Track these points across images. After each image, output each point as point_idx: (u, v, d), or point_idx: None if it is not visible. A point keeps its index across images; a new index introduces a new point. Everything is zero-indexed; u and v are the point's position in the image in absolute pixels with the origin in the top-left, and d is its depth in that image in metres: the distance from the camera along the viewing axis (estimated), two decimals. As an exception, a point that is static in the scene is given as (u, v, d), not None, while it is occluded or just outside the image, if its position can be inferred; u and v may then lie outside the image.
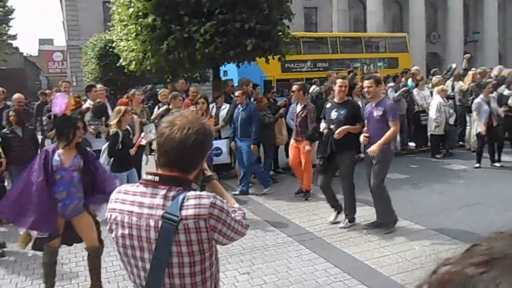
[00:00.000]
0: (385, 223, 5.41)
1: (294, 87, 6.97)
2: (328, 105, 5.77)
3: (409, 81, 10.93)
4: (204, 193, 1.53)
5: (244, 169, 7.37)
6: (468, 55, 13.75)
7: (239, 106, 7.50)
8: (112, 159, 5.53)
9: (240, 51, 8.99)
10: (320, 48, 17.44)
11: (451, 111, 9.73)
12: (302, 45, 16.44)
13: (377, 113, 5.24)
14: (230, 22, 8.77)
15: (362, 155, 6.08)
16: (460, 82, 10.74)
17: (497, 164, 8.61)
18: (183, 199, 1.46)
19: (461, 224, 5.44)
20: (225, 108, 8.69)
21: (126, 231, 1.52)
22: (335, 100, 5.71)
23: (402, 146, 10.57)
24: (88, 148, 4.12)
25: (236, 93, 7.79)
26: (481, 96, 8.51)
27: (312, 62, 16.08)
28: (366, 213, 5.91)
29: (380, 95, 5.43)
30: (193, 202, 1.47)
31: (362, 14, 29.45)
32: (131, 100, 7.71)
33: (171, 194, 1.49)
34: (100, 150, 7.33)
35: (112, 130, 5.57)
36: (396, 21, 31.12)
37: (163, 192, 1.50)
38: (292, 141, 7.02)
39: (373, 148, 5.19)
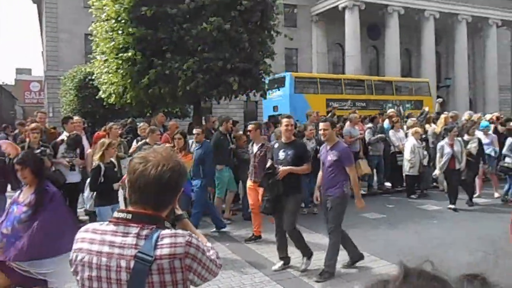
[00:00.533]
0: (353, 259, 5.42)
1: (250, 126, 6.66)
2: (276, 145, 5.62)
3: (386, 123, 11.21)
4: (179, 231, 1.49)
5: (195, 209, 6.97)
6: (440, 100, 14.26)
7: (197, 144, 7.34)
8: (95, 193, 5.43)
9: (223, 89, 9.09)
10: (358, 89, 18.88)
11: (425, 152, 9.98)
12: (343, 86, 18.28)
13: (331, 157, 5.10)
14: (213, 60, 8.91)
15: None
16: (433, 125, 11.10)
17: (469, 205, 8.78)
18: (158, 237, 1.41)
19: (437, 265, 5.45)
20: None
21: (94, 273, 1.43)
22: (283, 140, 5.53)
23: (379, 185, 10.72)
24: (50, 188, 3.60)
25: (195, 131, 7.56)
26: (446, 139, 8.74)
27: (352, 101, 17.16)
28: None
29: (334, 138, 5.29)
30: (168, 240, 1.41)
31: (340, 58, 30.46)
32: (108, 133, 7.63)
33: (144, 232, 1.42)
34: (74, 184, 7.17)
35: (94, 163, 5.47)
36: (373, 65, 32.28)
37: (135, 230, 1.43)
38: (249, 183, 6.64)
39: (356, 203, 5.28)
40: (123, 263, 1.40)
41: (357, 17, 26.73)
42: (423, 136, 10.43)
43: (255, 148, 6.59)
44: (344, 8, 26.93)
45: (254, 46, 10.09)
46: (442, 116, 11.09)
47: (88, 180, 5.64)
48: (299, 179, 5.41)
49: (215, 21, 8.90)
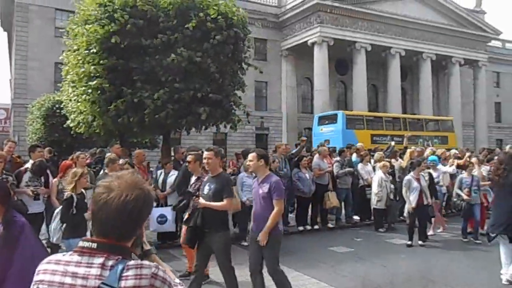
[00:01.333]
0: None
1: (189, 158, 6.17)
2: (205, 178, 5.33)
3: (354, 156, 11.41)
4: (145, 262, 1.43)
5: None
6: (408, 134, 14.69)
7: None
8: (64, 225, 5.23)
9: (193, 119, 9.08)
10: (396, 126, 21.68)
11: (392, 186, 10.15)
12: (384, 123, 21.34)
13: (262, 190, 4.78)
14: (183, 90, 8.93)
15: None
16: (400, 160, 11.37)
17: (420, 242, 8.50)
18: (123, 268, 1.36)
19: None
20: (173, 174, 8.57)
21: None
22: (210, 174, 5.16)
23: (347, 219, 10.78)
24: (18, 218, 3.41)
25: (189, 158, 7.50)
26: (412, 173, 8.72)
27: (391, 136, 18.69)
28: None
29: (265, 171, 4.89)
30: (133, 272, 1.36)
31: (309, 92, 31.14)
32: (75, 162, 7.44)
33: (110, 263, 1.37)
34: (37, 214, 6.87)
35: (67, 194, 5.31)
36: (341, 99, 33.13)
37: (100, 260, 1.38)
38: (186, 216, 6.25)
39: (260, 238, 4.70)
40: None
41: (325, 53, 27.55)
42: (390, 170, 10.64)
43: (193, 179, 6.23)
44: (313, 44, 27.75)
45: (225, 78, 10.21)
46: (408, 150, 11.40)
47: (56, 210, 5.45)
48: (224, 215, 4.95)
49: (185, 53, 8.99)
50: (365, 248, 8.42)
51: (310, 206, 10.27)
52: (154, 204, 9.13)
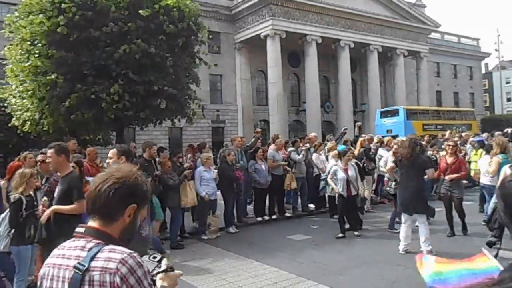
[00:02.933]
0: None
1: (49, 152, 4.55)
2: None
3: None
4: (120, 248, 1.47)
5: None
6: (359, 123, 15.19)
7: None
8: (13, 230, 4.89)
9: (150, 112, 8.97)
10: (438, 117, 26.90)
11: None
12: (430, 115, 26.53)
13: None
14: (138, 83, 8.79)
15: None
16: (351, 148, 11.76)
17: (356, 233, 8.33)
18: (98, 251, 1.44)
19: (361, 282, 5.72)
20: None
21: (48, 284, 1.51)
22: (59, 174, 4.57)
23: (303, 207, 11.05)
24: None
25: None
26: (339, 163, 8.49)
27: (435, 125, 24.48)
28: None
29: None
30: (105, 255, 1.43)
31: (263, 84, 31.37)
32: (23, 163, 7.13)
33: (89, 245, 1.47)
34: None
35: (14, 196, 4.97)
36: (294, 91, 33.65)
37: (82, 243, 1.49)
38: None
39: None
40: (67, 274, 1.46)
41: (278, 45, 27.84)
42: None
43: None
44: (266, 37, 27.95)
45: (179, 72, 10.13)
46: (359, 139, 11.82)
47: (2, 215, 5.16)
48: (72, 220, 3.90)
49: (139, 44, 8.81)
50: (322, 234, 8.67)
51: (267, 196, 10.44)
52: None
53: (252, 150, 10.39)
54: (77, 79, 8.43)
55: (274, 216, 10.36)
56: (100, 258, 1.43)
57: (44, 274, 1.53)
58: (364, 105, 34.80)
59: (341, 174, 8.23)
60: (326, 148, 11.49)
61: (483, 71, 53.89)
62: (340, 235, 8.24)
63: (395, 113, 24.93)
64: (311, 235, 8.60)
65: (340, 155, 8.67)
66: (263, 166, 10.02)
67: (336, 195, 8.43)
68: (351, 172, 8.30)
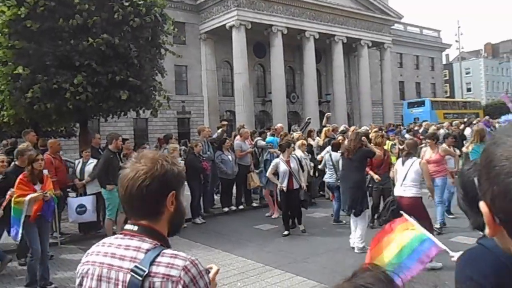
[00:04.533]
0: None
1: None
2: None
3: (271, 137, 11.65)
4: (182, 254, 1.38)
5: None
6: (329, 114, 15.40)
7: None
8: None
9: (113, 103, 8.80)
10: (455, 106, 33.45)
11: (312, 164, 10.68)
12: (449, 105, 33.38)
13: None
14: (101, 74, 8.60)
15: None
16: (317, 138, 11.97)
17: (302, 227, 8.01)
18: (158, 254, 1.34)
19: (325, 269, 5.89)
20: (92, 163, 8.28)
21: (94, 284, 1.41)
22: None
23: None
24: None
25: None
26: (281, 156, 8.13)
27: (453, 114, 29.21)
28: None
29: None
30: (167, 260, 1.34)
31: (229, 75, 31.25)
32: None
33: (146, 246, 1.37)
34: None
35: None
36: (260, 81, 33.70)
37: (137, 243, 1.39)
38: None
39: None
40: (120, 276, 1.36)
41: (243, 36, 27.75)
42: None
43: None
44: (231, 27, 27.79)
45: (144, 62, 9.98)
46: (324, 129, 12.02)
47: None
48: None
49: (103, 38, 8.62)
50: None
51: (234, 187, 10.49)
52: (74, 194, 8.77)
53: (219, 141, 10.40)
54: (39, 70, 8.14)
55: (241, 207, 10.44)
56: (161, 263, 1.33)
57: (87, 273, 1.43)
58: (329, 96, 35.33)
59: (283, 167, 7.84)
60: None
61: (444, 62, 55.79)
62: (286, 232, 7.83)
63: (421, 103, 31.33)
64: (277, 225, 8.72)
65: (282, 148, 8.28)
66: (229, 157, 10.06)
67: (278, 191, 8.09)
68: (293, 165, 7.96)
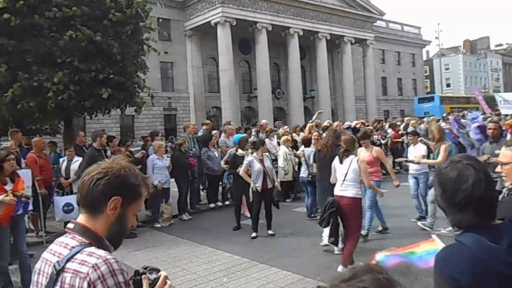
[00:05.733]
0: None
1: None
2: None
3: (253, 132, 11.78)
4: (100, 252, 1.39)
5: None
6: (321, 110, 15.49)
7: None
8: None
9: (95, 101, 8.77)
10: (460, 101, 35.48)
11: (296, 159, 10.79)
12: (453, 99, 35.30)
13: None
14: (84, 71, 8.55)
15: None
16: (301, 133, 12.10)
17: (270, 232, 7.61)
18: (78, 251, 1.39)
19: (309, 263, 6.00)
20: (77, 161, 8.25)
21: (35, 277, 1.50)
22: None
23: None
24: None
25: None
26: (254, 153, 7.79)
27: (456, 108, 29.11)
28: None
29: None
30: (82, 257, 1.37)
31: (215, 71, 31.19)
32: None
33: (72, 244, 1.43)
34: None
35: None
36: (246, 78, 33.74)
37: (68, 240, 1.46)
38: None
39: None
40: (48, 269, 1.44)
41: (229, 33, 27.72)
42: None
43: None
44: (216, 24, 27.73)
45: (127, 59, 9.93)
46: (308, 125, 12.15)
47: None
48: None
49: (84, 32, 8.56)
50: (275, 218, 8.91)
51: (220, 183, 10.56)
52: (60, 192, 8.74)
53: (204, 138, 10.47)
54: (20, 67, 8.06)
55: (227, 202, 10.51)
56: (76, 259, 1.37)
57: (36, 268, 1.52)
58: (313, 91, 35.58)
59: (257, 166, 7.48)
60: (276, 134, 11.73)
61: (425, 58, 56.56)
62: (254, 234, 7.55)
63: (431, 99, 34.93)
64: (264, 219, 8.81)
65: (256, 146, 7.96)
66: (215, 153, 10.12)
67: (250, 190, 7.69)
68: (267, 164, 7.64)
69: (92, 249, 1.41)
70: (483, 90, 54.72)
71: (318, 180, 7.18)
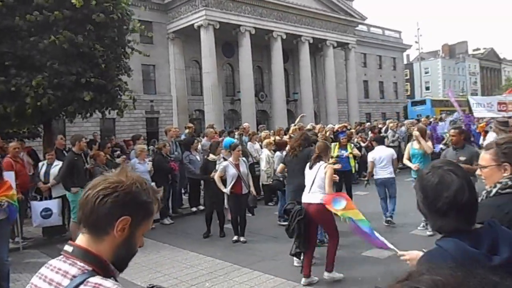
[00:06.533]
0: None
1: None
2: None
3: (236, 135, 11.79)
4: (107, 283, 1.21)
5: None
6: (304, 114, 15.56)
7: None
8: None
9: (78, 105, 8.64)
10: (448, 104, 31.71)
11: (279, 162, 10.81)
12: (443, 103, 34.05)
13: None
14: (64, 74, 8.43)
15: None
16: (285, 137, 12.13)
17: (242, 239, 7.49)
18: (81, 282, 1.21)
19: (292, 266, 6.01)
20: (57, 165, 8.11)
21: None
22: None
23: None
24: None
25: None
26: (230, 158, 7.69)
27: (446, 111, 28.87)
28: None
29: None
30: None
31: (198, 74, 31.09)
32: None
33: (73, 272, 1.24)
34: None
35: None
36: (229, 81, 33.71)
37: (66, 267, 1.27)
38: None
39: None
40: None
41: (212, 36, 27.66)
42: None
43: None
44: (199, 27, 27.66)
45: (109, 62, 9.83)
46: (291, 127, 12.20)
47: None
48: None
49: (66, 34, 8.43)
50: (257, 221, 8.91)
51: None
52: (38, 197, 8.56)
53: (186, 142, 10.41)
54: (-2, 70, 7.91)
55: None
56: None
57: None
58: (296, 94, 35.75)
59: (232, 170, 7.38)
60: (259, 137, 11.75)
61: (405, 61, 57.40)
62: (235, 238, 7.51)
63: (423, 102, 36.72)
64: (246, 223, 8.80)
65: (230, 149, 7.84)
66: (197, 157, 10.07)
67: (226, 196, 7.65)
68: (243, 168, 7.51)
69: (98, 279, 1.22)
70: (461, 93, 56.08)
71: (286, 183, 7.00)
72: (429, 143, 7.51)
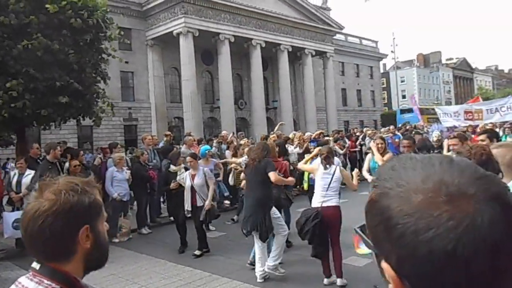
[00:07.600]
0: None
1: None
2: None
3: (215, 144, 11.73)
4: None
5: None
6: (283, 122, 15.63)
7: None
8: None
9: (52, 110, 8.47)
10: (433, 112, 32.57)
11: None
12: (429, 111, 32.20)
13: None
14: (39, 80, 8.26)
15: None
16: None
17: (197, 253, 7.18)
18: None
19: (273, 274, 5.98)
20: (29, 174, 7.90)
21: None
22: None
23: (218, 204, 11.15)
24: None
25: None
26: (190, 171, 7.39)
27: (432, 118, 28.44)
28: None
29: None
30: None
31: (177, 81, 30.93)
32: None
33: None
34: None
35: None
36: (208, 88, 33.66)
37: (32, 286, 1.18)
38: None
39: None
40: None
41: (191, 43, 27.60)
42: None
43: None
44: (178, 34, 27.57)
45: (84, 68, 9.68)
46: (271, 135, 12.25)
47: None
48: None
49: (41, 41, 8.27)
50: (237, 230, 8.82)
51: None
52: (10, 208, 8.32)
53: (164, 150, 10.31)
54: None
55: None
56: None
57: None
58: (276, 102, 35.95)
59: (187, 182, 7.17)
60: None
61: (382, 70, 58.56)
62: (197, 252, 7.20)
63: (410, 110, 35.27)
64: (226, 232, 8.77)
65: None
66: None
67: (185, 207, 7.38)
68: (197, 180, 7.20)
69: None
70: (435, 102, 57.36)
71: (245, 196, 6.42)
72: (389, 155, 6.73)
